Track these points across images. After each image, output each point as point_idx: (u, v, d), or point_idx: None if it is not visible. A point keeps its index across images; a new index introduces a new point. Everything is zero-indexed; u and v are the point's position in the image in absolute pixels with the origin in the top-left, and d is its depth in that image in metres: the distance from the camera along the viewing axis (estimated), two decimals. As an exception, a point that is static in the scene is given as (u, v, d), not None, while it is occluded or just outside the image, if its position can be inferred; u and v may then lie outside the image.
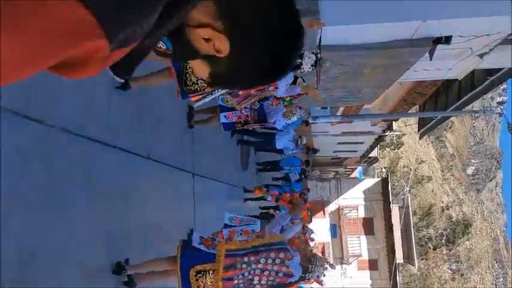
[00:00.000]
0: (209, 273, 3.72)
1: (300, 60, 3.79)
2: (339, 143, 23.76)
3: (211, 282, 3.68)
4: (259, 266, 3.72)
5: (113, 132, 3.88)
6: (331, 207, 23.48)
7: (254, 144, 10.65)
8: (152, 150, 4.85)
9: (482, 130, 69.67)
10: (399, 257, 22.81)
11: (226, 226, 5.78)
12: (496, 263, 60.22)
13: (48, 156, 2.88)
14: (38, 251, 2.61)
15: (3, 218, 2.38)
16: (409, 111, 16.78)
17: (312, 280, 4.04)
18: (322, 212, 23.30)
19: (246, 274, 3.71)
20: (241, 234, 5.64)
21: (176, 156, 5.88)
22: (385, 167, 47.94)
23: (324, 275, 4.05)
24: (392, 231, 22.66)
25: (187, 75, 3.79)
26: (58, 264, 2.82)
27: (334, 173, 30.27)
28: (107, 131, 3.78)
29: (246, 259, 3.73)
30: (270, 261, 3.75)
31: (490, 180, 68.82)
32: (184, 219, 6.09)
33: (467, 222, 54.20)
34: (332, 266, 4.21)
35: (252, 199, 11.49)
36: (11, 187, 2.46)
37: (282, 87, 3.85)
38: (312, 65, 3.83)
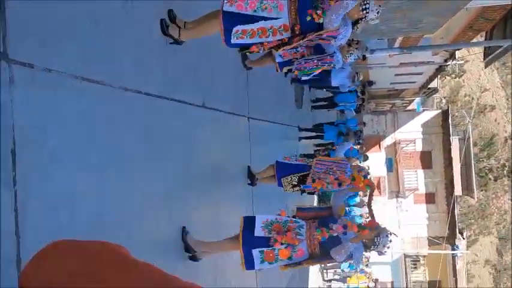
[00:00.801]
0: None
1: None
2: (396, 75, 22.80)
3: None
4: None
5: (169, 85, 3.85)
6: (387, 141, 22.99)
7: (309, 82, 10.40)
8: (208, 98, 4.82)
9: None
10: (458, 190, 22.34)
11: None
12: (561, 194, 57.84)
13: (109, 116, 2.89)
14: (105, 213, 2.70)
15: (70, 181, 2.44)
16: (475, 39, 15.64)
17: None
18: (377, 146, 22.92)
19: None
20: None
21: (231, 101, 5.84)
22: (445, 97, 45.93)
23: (389, 247, 4.00)
24: (452, 165, 22.04)
25: None
26: (125, 226, 2.92)
27: (390, 106, 29.38)
28: (164, 84, 3.75)
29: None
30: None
31: (560, 108, 64.46)
32: (241, 159, 6.17)
33: (531, 153, 51.80)
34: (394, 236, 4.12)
35: (306, 138, 11.41)
36: (75, 150, 2.51)
37: (341, 38, 3.58)
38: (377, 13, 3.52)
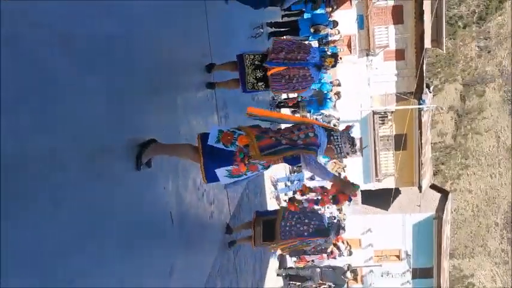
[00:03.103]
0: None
1: None
2: None
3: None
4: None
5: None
6: (359, -5, 21.82)
7: None
8: (150, -16, 4.03)
9: None
10: (427, 43, 22.02)
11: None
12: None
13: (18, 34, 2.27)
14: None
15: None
16: None
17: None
18: (348, 2, 21.76)
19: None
20: None
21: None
22: None
23: (353, 144, 3.65)
24: (423, 18, 21.35)
25: None
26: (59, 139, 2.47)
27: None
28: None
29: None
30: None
31: None
32: (199, 55, 5.54)
33: (502, -4, 50.94)
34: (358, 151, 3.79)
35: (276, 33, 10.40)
36: None
37: None
38: None
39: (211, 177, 3.60)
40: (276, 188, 12.12)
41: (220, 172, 3.49)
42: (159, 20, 4.32)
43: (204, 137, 3.58)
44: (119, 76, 3.40)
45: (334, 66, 5.73)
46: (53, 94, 2.53)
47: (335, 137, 3.60)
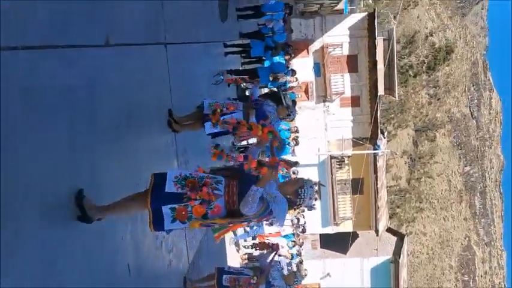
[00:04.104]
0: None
1: None
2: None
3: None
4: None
5: (58, 30, 3.11)
6: (316, 45, 22.68)
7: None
8: (113, 33, 4.08)
9: None
10: (381, 90, 23.01)
11: (205, 118, 5.34)
12: (473, 86, 62.24)
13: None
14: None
15: None
16: None
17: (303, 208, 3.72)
18: (306, 51, 22.59)
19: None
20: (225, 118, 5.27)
21: (142, 30, 5.08)
22: (370, -7, 45.57)
23: (316, 199, 3.65)
24: (376, 67, 22.40)
25: None
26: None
27: (318, 6, 28.69)
28: (50, 31, 3.01)
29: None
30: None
31: (477, 3, 66.92)
32: (160, 98, 5.57)
33: (449, 49, 54.34)
34: (322, 185, 3.77)
35: (233, 52, 10.81)
36: None
37: None
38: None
39: (158, 222, 3.44)
40: (235, 234, 11.99)
41: (166, 211, 3.39)
42: (121, 67, 4.34)
43: (157, 177, 3.50)
44: (80, 124, 3.37)
45: (289, 116, 6.00)
46: (12, 143, 2.47)
47: (301, 191, 3.57)
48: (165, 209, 3.36)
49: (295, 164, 12.26)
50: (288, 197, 3.55)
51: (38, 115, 2.80)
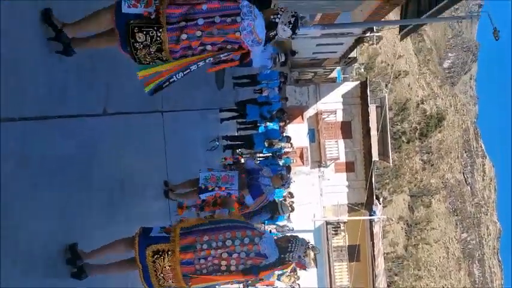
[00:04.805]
0: (167, 254, 3.23)
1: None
2: (318, 45, 22.82)
3: (169, 266, 3.24)
4: (226, 249, 3.22)
5: (56, 101, 3.19)
6: (310, 112, 23.21)
7: (229, 62, 9.86)
8: (110, 102, 4.17)
9: (461, 22, 68.46)
10: (375, 156, 23.25)
11: (201, 190, 5.33)
12: (465, 152, 62.97)
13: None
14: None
15: None
16: (392, 12, 15.82)
17: (293, 263, 3.57)
18: (300, 117, 23.07)
19: (210, 258, 3.21)
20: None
21: (140, 99, 5.19)
22: (362, 63, 47.26)
23: (306, 255, 3.56)
24: (370, 134, 22.79)
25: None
26: None
27: (312, 74, 29.61)
28: (48, 102, 3.08)
29: (205, 238, 3.23)
30: (237, 242, 3.23)
31: (465, 73, 69.36)
32: (157, 166, 5.60)
33: (440, 116, 55.47)
34: (315, 250, 3.63)
35: (229, 118, 10.99)
36: None
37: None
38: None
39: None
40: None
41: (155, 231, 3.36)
42: (117, 135, 4.40)
43: (144, 231, 3.44)
44: (76, 192, 3.38)
45: (283, 186, 6.03)
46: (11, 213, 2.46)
47: (293, 240, 3.50)
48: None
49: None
50: (279, 243, 3.48)
51: (34, 181, 2.83)
